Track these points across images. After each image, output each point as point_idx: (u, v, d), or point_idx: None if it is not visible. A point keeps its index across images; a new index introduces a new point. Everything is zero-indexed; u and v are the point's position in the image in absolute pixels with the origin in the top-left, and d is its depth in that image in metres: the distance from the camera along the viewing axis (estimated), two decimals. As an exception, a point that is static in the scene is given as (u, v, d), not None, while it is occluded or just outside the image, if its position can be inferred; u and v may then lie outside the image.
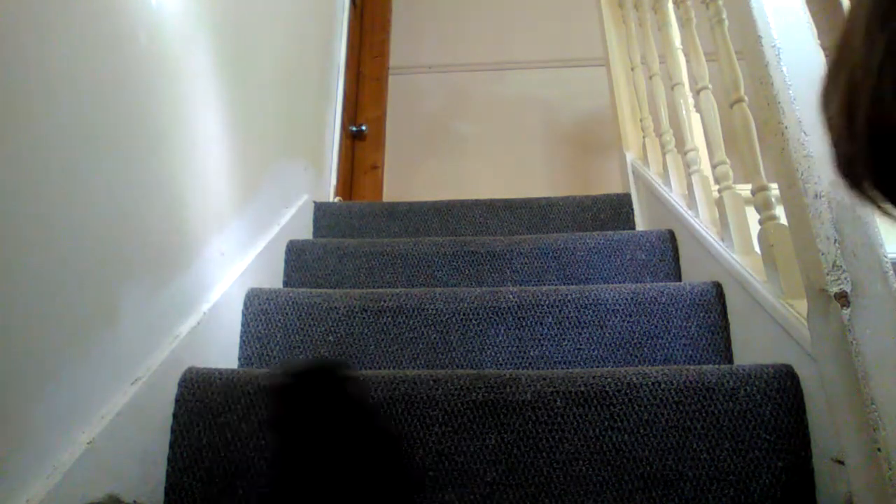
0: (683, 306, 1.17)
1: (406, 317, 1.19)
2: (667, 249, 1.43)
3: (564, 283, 1.41)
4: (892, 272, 0.73)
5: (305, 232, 1.74)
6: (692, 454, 0.85)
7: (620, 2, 2.07)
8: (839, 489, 0.77)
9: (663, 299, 1.17)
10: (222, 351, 1.13)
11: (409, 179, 3.12)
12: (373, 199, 2.79)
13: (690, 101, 1.52)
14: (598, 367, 1.13)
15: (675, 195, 1.53)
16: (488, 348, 1.16)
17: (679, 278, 1.40)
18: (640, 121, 1.90)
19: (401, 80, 3.25)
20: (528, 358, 1.15)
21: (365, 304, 1.21)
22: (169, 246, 0.96)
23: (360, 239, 1.60)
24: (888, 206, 0.30)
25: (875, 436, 0.66)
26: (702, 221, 1.34)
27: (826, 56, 0.85)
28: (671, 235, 1.45)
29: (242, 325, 1.21)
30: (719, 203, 1.24)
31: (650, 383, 0.90)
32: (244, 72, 1.32)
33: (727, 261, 1.16)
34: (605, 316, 1.17)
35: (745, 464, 0.84)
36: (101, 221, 0.79)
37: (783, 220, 0.95)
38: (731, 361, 1.13)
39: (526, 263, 1.43)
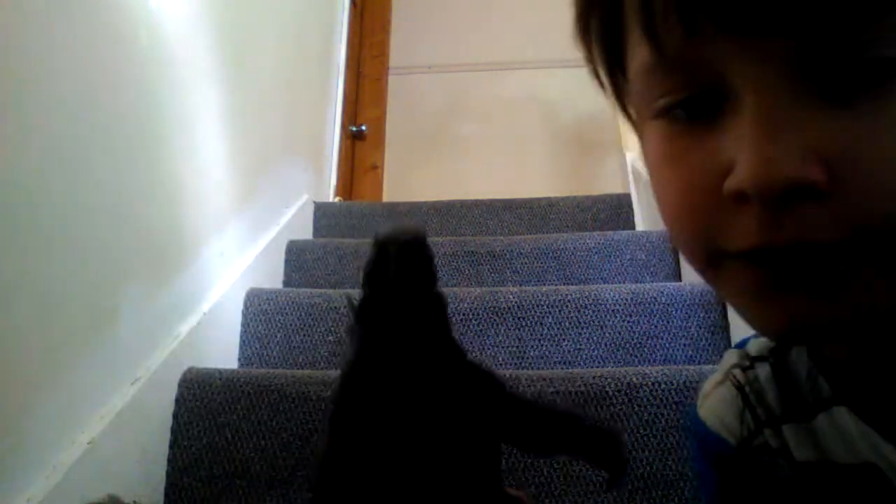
0: (683, 306, 1.17)
1: (406, 317, 1.19)
2: (667, 249, 1.43)
3: (564, 283, 1.41)
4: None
5: (305, 232, 1.74)
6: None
7: (620, 2, 2.07)
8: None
9: (663, 299, 1.17)
10: (222, 351, 1.13)
11: (409, 179, 3.12)
12: (373, 199, 2.78)
13: (690, 101, 1.52)
14: (598, 367, 1.12)
15: (675, 195, 1.53)
16: (488, 348, 1.16)
17: (679, 278, 1.40)
18: (640, 121, 1.90)
19: (401, 80, 3.25)
20: (528, 358, 1.15)
21: (365, 304, 1.21)
22: (169, 246, 0.96)
23: (360, 239, 1.60)
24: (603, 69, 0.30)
25: (875, 436, 0.66)
26: (702, 221, 1.34)
27: None
28: (671, 235, 1.45)
29: (242, 326, 1.21)
30: (719, 203, 1.24)
31: (650, 383, 0.90)
32: (244, 72, 1.32)
33: (727, 261, 1.16)
34: (605, 316, 1.17)
35: (745, 464, 0.84)
36: (100, 221, 0.79)
37: (783, 220, 0.95)
38: (731, 361, 1.13)
39: (526, 263, 1.43)
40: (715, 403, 0.40)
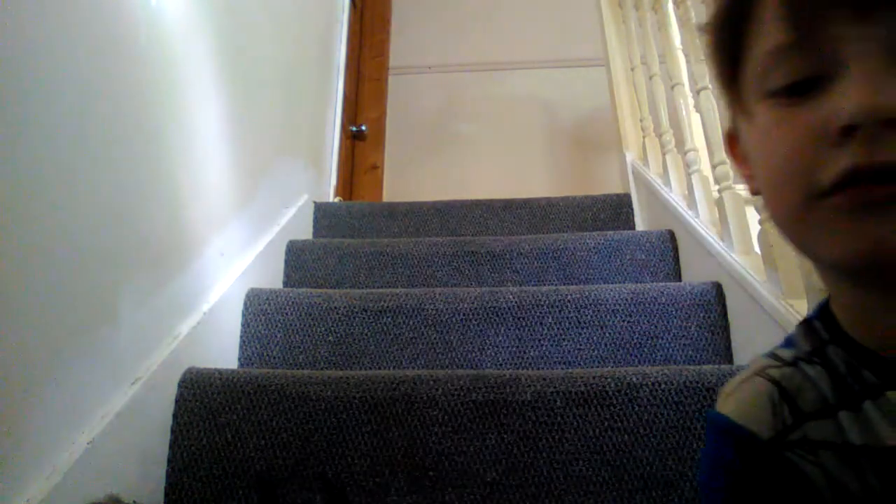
0: (683, 306, 1.17)
1: (406, 317, 1.19)
2: (667, 249, 1.43)
3: (564, 284, 1.41)
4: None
5: (305, 232, 1.74)
6: (692, 454, 0.85)
7: (620, 2, 2.07)
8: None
9: (663, 299, 1.17)
10: (222, 351, 1.13)
11: (409, 179, 3.12)
12: (373, 199, 2.78)
13: (690, 101, 1.52)
14: (598, 367, 1.12)
15: (674, 195, 1.53)
16: (488, 348, 1.16)
17: (679, 278, 1.40)
18: (640, 121, 1.89)
19: (401, 80, 3.25)
20: (528, 358, 1.15)
21: (365, 304, 1.21)
22: (169, 246, 0.96)
23: (360, 239, 1.60)
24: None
25: (875, 436, 0.66)
26: (702, 221, 1.34)
27: None
28: (671, 235, 1.45)
29: (242, 326, 1.21)
30: (719, 203, 1.24)
31: (650, 383, 0.90)
32: (244, 72, 1.32)
33: (727, 261, 1.16)
34: (605, 316, 1.17)
35: (745, 464, 0.84)
36: (100, 221, 0.79)
37: (783, 221, 0.95)
38: (731, 362, 1.13)
39: (526, 263, 1.43)
40: (745, 397, 0.41)
